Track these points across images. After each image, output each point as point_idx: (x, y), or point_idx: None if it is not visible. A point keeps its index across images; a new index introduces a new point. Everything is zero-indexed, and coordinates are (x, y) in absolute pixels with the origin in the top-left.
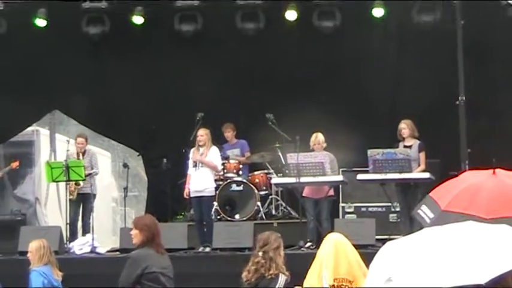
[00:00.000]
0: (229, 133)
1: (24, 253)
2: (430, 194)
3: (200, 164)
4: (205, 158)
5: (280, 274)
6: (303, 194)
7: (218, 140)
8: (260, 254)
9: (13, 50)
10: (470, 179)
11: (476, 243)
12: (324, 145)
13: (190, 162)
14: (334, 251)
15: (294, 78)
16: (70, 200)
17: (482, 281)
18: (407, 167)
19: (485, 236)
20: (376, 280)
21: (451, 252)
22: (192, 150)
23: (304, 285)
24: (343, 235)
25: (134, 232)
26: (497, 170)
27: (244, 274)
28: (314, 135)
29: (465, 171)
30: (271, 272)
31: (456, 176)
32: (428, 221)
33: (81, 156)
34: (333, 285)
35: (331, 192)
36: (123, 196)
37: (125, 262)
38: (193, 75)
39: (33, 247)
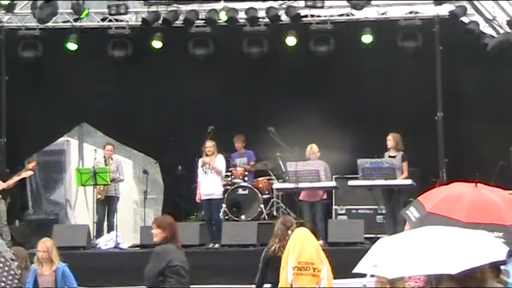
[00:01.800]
0: (239, 144)
1: (57, 248)
2: (419, 198)
3: (209, 171)
4: (212, 164)
5: None
6: (300, 198)
7: (227, 149)
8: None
9: (48, 70)
10: (455, 188)
11: (453, 241)
12: (318, 154)
13: (200, 170)
14: (300, 240)
15: (293, 96)
16: (98, 200)
17: (454, 271)
18: (392, 174)
19: (462, 237)
20: (364, 266)
21: (430, 248)
22: (201, 160)
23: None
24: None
25: (157, 231)
26: (479, 184)
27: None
28: (309, 146)
29: (443, 179)
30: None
31: (434, 182)
32: (414, 219)
33: (109, 161)
34: (297, 266)
35: (325, 196)
36: (143, 199)
37: (150, 256)
38: (205, 92)
39: (49, 245)
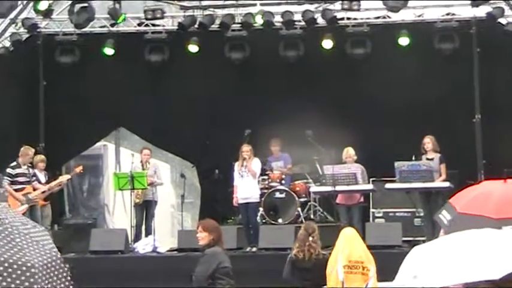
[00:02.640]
0: (275, 147)
1: (95, 252)
2: (450, 200)
3: (246, 174)
4: (249, 168)
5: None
6: (337, 201)
7: (263, 153)
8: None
9: (85, 75)
10: (484, 186)
11: (490, 245)
12: (355, 158)
13: (236, 174)
14: (349, 240)
15: (330, 99)
16: (136, 204)
17: (497, 276)
18: (429, 177)
19: (499, 240)
20: (403, 278)
21: (469, 254)
22: (237, 163)
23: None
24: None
25: (203, 234)
26: (509, 180)
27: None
28: (345, 149)
29: (481, 180)
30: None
31: (472, 184)
32: (446, 222)
33: (146, 165)
34: (347, 265)
35: (362, 200)
36: (180, 203)
37: (199, 259)
38: (241, 96)
39: None
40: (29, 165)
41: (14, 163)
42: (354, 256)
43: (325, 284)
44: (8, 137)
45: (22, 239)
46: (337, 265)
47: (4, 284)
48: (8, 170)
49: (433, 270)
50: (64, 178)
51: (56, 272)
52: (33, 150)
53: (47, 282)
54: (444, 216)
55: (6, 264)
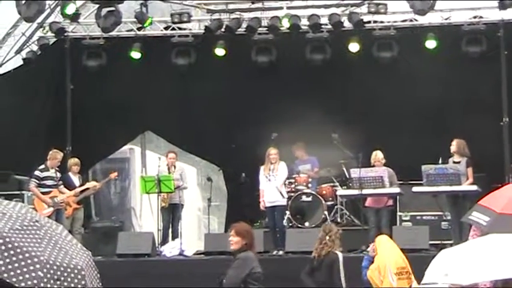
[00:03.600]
0: (299, 151)
1: (122, 255)
2: (480, 202)
3: (273, 178)
4: (276, 172)
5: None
6: (366, 204)
7: (290, 157)
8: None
9: (112, 79)
10: None
11: None
12: (383, 161)
13: (263, 178)
14: (391, 248)
15: (357, 103)
16: (162, 207)
17: None
18: (456, 180)
19: None
20: (435, 276)
21: (498, 253)
22: (263, 167)
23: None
24: (396, 239)
25: (236, 238)
26: None
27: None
28: (374, 153)
29: (508, 182)
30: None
31: (500, 188)
32: (484, 223)
33: (172, 169)
34: (397, 272)
35: (390, 202)
36: (206, 206)
37: (232, 263)
38: (268, 99)
39: None
40: (57, 169)
41: (42, 166)
42: (399, 263)
43: (330, 284)
44: (36, 141)
45: (63, 242)
46: (388, 273)
47: (63, 287)
48: (36, 173)
49: (465, 268)
50: (91, 185)
51: (95, 272)
52: (61, 154)
53: (93, 282)
54: (478, 217)
55: (62, 269)
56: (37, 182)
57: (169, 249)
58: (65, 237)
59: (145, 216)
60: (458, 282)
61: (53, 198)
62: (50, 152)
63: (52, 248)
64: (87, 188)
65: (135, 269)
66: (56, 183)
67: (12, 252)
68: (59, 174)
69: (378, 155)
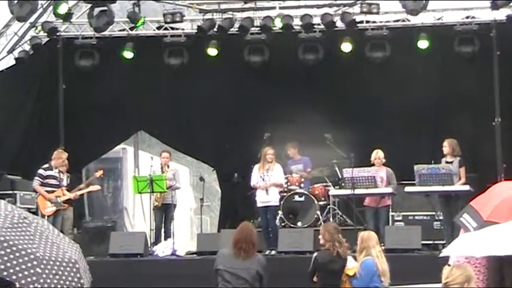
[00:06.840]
0: (292, 150)
1: (114, 255)
2: (471, 203)
3: (268, 178)
4: (271, 172)
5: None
6: (365, 203)
7: (282, 157)
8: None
9: (104, 79)
10: (507, 191)
11: None
12: (383, 160)
13: (257, 177)
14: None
15: (350, 103)
16: (155, 207)
17: None
18: (449, 180)
19: None
20: (451, 249)
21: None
22: (257, 166)
23: None
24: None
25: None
26: None
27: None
28: (375, 151)
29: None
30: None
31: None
32: (472, 229)
33: (166, 168)
34: None
35: (389, 202)
36: (199, 206)
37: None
38: (261, 100)
39: None
40: (61, 169)
41: (46, 165)
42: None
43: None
44: (28, 140)
45: (53, 237)
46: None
47: (61, 282)
48: (40, 171)
49: (480, 242)
50: (95, 188)
51: (85, 265)
52: (66, 154)
53: (86, 274)
54: (468, 221)
55: (58, 263)
56: (40, 180)
57: (162, 249)
58: (53, 232)
59: (138, 216)
60: (472, 254)
61: (56, 198)
62: (55, 152)
63: (45, 244)
64: (91, 191)
65: (128, 269)
66: (58, 183)
67: (9, 250)
68: (62, 175)
69: (378, 153)
